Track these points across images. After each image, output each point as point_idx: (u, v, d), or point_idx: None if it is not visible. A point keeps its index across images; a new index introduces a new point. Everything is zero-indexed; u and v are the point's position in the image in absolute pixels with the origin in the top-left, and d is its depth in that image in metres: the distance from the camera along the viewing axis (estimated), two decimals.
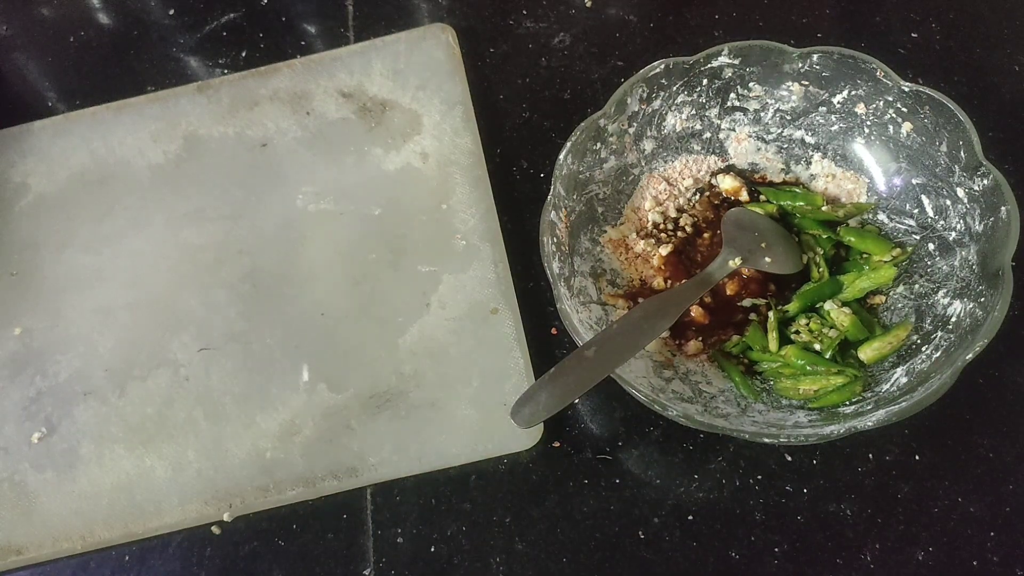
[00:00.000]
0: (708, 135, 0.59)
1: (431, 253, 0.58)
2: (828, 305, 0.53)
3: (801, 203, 0.56)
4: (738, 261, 0.53)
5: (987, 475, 0.50)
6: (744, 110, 0.58)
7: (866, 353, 0.51)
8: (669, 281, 0.55)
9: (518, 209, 0.60)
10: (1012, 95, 0.61)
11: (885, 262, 0.53)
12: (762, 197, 0.57)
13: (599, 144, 0.55)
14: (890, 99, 0.53)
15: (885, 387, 0.49)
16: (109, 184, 0.63)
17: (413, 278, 0.58)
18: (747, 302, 0.54)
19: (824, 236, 0.55)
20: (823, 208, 0.56)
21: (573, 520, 0.51)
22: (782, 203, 0.56)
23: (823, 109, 0.56)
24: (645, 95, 0.56)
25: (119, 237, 0.61)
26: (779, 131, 0.58)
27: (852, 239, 0.54)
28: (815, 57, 0.54)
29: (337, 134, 0.63)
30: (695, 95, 0.57)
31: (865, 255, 0.54)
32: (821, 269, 0.54)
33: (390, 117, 0.63)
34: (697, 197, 0.58)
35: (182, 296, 0.59)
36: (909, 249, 0.54)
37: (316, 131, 0.64)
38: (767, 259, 0.53)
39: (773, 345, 0.52)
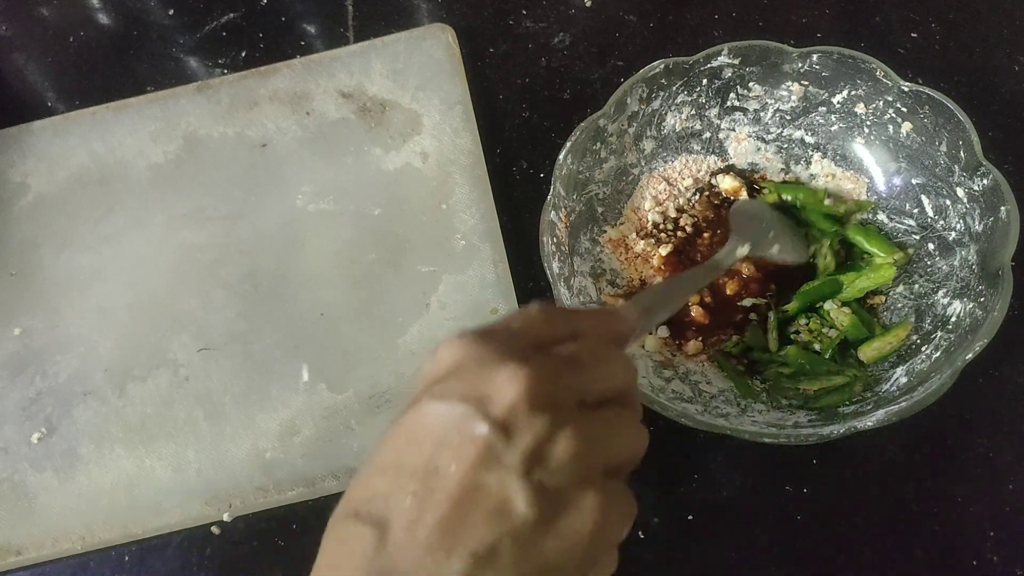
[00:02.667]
0: (708, 135, 0.59)
1: (431, 253, 0.58)
2: (828, 305, 0.53)
3: (802, 195, 0.56)
4: (747, 248, 0.51)
5: (987, 475, 0.50)
6: (744, 110, 0.58)
7: (866, 353, 0.51)
8: None
9: (518, 209, 0.60)
10: (1012, 95, 0.61)
11: (887, 262, 0.53)
12: (765, 189, 0.57)
13: (599, 144, 0.55)
14: (890, 99, 0.53)
15: (885, 387, 0.49)
16: (109, 184, 0.63)
17: (413, 278, 0.58)
18: (747, 302, 0.54)
19: (832, 230, 0.55)
20: (825, 201, 0.56)
21: None
22: (784, 195, 0.56)
23: (823, 109, 0.56)
24: (645, 95, 0.56)
25: (119, 237, 0.61)
26: (779, 131, 0.58)
27: (859, 238, 0.54)
28: (815, 57, 0.54)
29: (337, 134, 0.63)
30: (695, 95, 0.57)
31: (866, 255, 0.54)
32: (827, 260, 0.54)
33: (390, 117, 0.63)
34: (697, 197, 0.58)
35: (182, 296, 0.59)
36: (910, 251, 0.54)
37: (316, 131, 0.64)
38: (776, 247, 0.53)
39: (773, 345, 0.52)
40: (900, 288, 0.53)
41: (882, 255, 0.53)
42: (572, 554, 0.30)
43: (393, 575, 0.29)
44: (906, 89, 0.52)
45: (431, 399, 0.31)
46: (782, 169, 0.59)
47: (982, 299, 0.47)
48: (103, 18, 0.72)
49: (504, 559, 0.29)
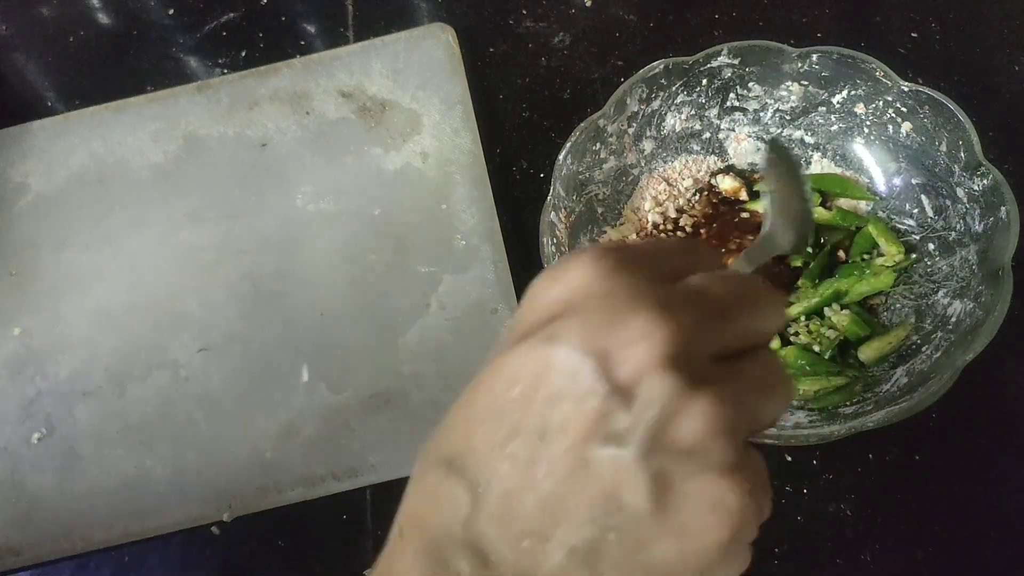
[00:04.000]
0: (707, 135, 0.59)
1: (431, 253, 0.58)
2: (827, 307, 0.53)
3: (831, 183, 0.56)
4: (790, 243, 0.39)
5: (987, 475, 0.50)
6: (743, 110, 0.58)
7: (866, 353, 0.51)
8: None
9: (518, 209, 0.60)
10: (1012, 95, 0.61)
11: (887, 267, 0.53)
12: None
13: (599, 144, 0.55)
14: (890, 99, 0.53)
15: (885, 387, 0.49)
16: (109, 184, 0.63)
17: (413, 278, 0.58)
18: None
19: (856, 223, 0.54)
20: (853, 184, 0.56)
21: None
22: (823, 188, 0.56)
23: (823, 109, 0.56)
24: (645, 95, 0.55)
25: (119, 237, 0.61)
26: (779, 131, 0.58)
27: (876, 231, 0.54)
28: (815, 57, 0.54)
29: (337, 134, 0.63)
30: (695, 95, 0.57)
31: (866, 256, 0.54)
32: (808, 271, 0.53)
33: (390, 117, 0.63)
34: (697, 197, 0.58)
35: (182, 296, 0.59)
36: (913, 256, 0.53)
37: (316, 131, 0.64)
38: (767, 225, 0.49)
39: (773, 346, 0.52)
40: (900, 288, 0.53)
41: (890, 251, 0.53)
42: (690, 560, 0.25)
43: (484, 550, 0.25)
44: (906, 89, 0.52)
45: (546, 341, 0.25)
46: None
47: (982, 299, 0.47)
48: (103, 18, 0.72)
49: (606, 559, 0.25)
